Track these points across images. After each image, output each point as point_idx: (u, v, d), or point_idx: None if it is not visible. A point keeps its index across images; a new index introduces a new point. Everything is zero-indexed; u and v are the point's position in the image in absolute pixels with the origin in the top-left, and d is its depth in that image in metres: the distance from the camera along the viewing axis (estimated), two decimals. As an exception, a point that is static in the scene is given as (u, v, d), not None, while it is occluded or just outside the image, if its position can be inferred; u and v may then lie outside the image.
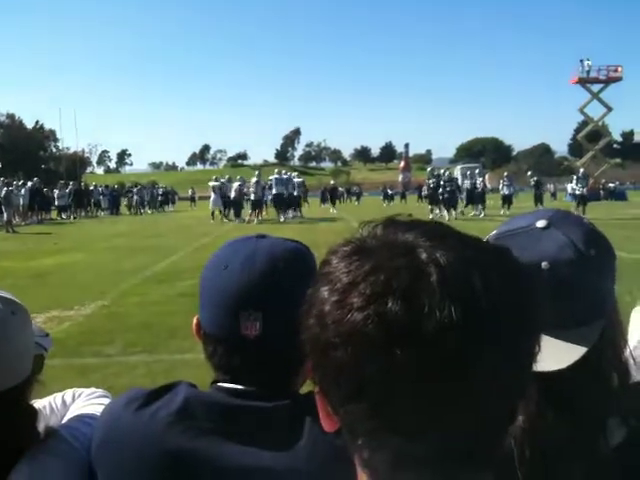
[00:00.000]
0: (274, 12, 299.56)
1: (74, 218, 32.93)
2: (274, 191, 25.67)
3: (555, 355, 0.81)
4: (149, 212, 40.14)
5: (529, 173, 31.84)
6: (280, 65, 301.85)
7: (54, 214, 32.75)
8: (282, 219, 24.92)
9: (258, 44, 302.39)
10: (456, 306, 0.47)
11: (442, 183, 24.86)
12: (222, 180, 28.63)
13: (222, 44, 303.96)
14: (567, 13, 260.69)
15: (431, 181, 25.83)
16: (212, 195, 27.83)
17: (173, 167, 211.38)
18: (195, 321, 1.03)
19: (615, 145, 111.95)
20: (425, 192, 29.28)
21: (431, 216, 23.78)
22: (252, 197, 25.33)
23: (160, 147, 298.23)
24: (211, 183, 28.60)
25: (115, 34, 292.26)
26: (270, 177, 26.94)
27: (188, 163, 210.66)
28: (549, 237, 0.86)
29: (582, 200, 24.49)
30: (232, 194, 26.83)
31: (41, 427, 1.09)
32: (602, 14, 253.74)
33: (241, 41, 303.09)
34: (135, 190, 40.60)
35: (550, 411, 0.85)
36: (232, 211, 27.44)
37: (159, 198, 44.27)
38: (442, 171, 27.33)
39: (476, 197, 27.30)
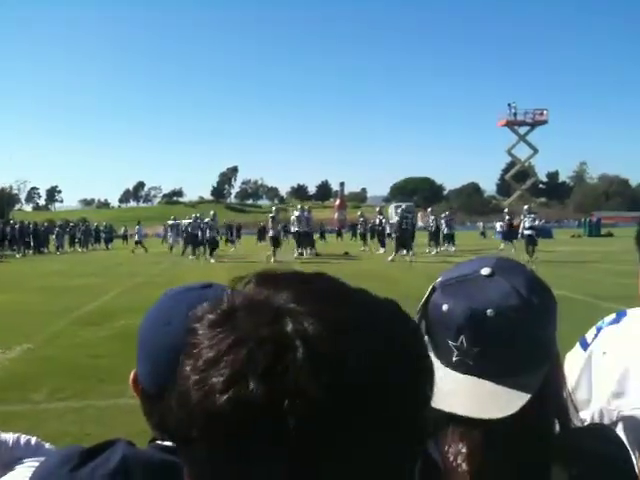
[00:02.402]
0: (210, 49, 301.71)
1: (-1, 257, 31.55)
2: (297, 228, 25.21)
3: (499, 403, 0.81)
4: (79, 250, 39.08)
5: (505, 210, 29.47)
6: (217, 102, 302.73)
7: (-23, 253, 31.34)
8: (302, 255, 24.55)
9: (194, 80, 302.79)
10: (323, 387, 0.41)
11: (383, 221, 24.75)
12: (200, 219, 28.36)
13: (157, 79, 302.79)
14: (495, 57, 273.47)
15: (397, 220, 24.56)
16: (169, 232, 31.62)
17: (105, 204, 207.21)
18: (132, 376, 0.98)
19: (541, 185, 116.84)
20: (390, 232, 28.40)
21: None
22: (270, 233, 24.50)
23: (92, 184, 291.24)
24: (185, 221, 30.19)
25: (46, 68, 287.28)
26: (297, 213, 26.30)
27: (121, 200, 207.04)
28: (493, 285, 0.87)
29: (533, 241, 21.50)
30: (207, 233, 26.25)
31: None
32: (529, 59, 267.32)
33: (177, 76, 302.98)
34: (57, 229, 39.96)
35: (495, 457, 0.85)
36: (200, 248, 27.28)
37: (103, 236, 43.41)
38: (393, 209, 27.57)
39: (446, 237, 27.82)
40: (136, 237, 37.11)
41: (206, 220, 26.74)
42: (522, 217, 23.38)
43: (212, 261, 24.01)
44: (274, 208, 26.69)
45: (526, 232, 22.00)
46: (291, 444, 0.40)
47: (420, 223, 29.07)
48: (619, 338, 1.24)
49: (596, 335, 1.30)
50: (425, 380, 0.47)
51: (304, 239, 25.12)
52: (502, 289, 0.86)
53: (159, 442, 0.94)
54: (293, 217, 25.58)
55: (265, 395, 0.40)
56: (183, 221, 30.09)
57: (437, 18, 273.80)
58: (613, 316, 1.30)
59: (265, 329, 0.43)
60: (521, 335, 0.84)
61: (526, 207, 24.28)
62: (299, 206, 27.42)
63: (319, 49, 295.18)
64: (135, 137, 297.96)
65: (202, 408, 0.42)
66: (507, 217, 27.92)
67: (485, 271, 0.89)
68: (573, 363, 1.31)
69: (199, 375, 0.44)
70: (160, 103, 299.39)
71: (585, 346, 1.31)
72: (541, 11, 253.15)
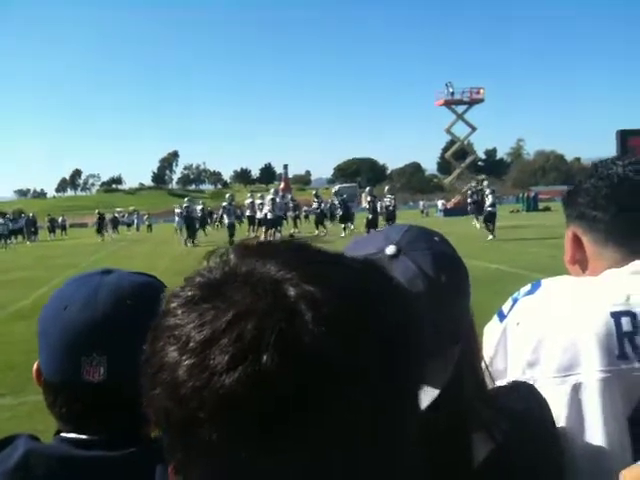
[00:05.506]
0: (147, 29, 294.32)
1: None
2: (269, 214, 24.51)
3: None
4: (14, 243, 37.66)
5: (386, 188, 29.27)
6: (155, 86, 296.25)
7: None
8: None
9: (131, 63, 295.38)
10: (338, 346, 0.40)
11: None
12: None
13: (91, 62, 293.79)
14: (433, 36, 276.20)
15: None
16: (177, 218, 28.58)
17: (42, 194, 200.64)
18: (35, 366, 0.97)
19: (480, 162, 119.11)
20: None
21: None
22: (269, 215, 24.10)
23: (27, 173, 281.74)
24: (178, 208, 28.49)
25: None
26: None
27: (58, 189, 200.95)
28: (398, 267, 0.82)
29: (492, 217, 21.36)
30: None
31: None
32: (466, 37, 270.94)
33: (112, 59, 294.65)
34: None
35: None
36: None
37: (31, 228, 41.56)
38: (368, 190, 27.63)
39: (390, 215, 27.23)
40: None
41: (224, 204, 26.11)
42: (486, 193, 23.26)
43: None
44: (273, 190, 26.86)
45: (489, 209, 21.97)
46: (315, 408, 0.39)
47: (364, 204, 29.10)
48: (533, 309, 1.24)
49: (512, 306, 1.30)
50: (423, 336, 0.47)
51: (277, 224, 24.74)
52: (407, 272, 0.82)
53: (64, 435, 0.91)
54: (268, 199, 24.93)
55: (281, 365, 0.38)
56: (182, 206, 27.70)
57: (377, 1, 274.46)
58: (528, 287, 1.31)
59: (267, 299, 0.41)
60: (429, 320, 0.80)
61: (486, 183, 24.58)
62: (273, 189, 27.21)
63: (257, 30, 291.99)
64: (71, 123, 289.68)
65: (210, 392, 0.39)
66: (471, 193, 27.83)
67: (390, 250, 0.84)
68: (490, 334, 1.31)
69: (196, 358, 0.40)
70: (95, 87, 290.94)
71: (502, 317, 1.31)
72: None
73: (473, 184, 26.00)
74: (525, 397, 0.97)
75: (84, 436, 0.90)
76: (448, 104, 57.06)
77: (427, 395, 0.75)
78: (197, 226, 26.90)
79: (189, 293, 0.44)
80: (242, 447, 0.39)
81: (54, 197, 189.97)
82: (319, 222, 28.55)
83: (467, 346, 0.87)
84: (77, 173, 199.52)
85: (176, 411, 0.41)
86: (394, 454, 0.44)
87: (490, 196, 22.40)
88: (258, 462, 0.39)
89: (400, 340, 0.44)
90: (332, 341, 0.39)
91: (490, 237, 20.35)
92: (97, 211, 38.88)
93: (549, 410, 0.97)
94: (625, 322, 1.09)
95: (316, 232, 25.04)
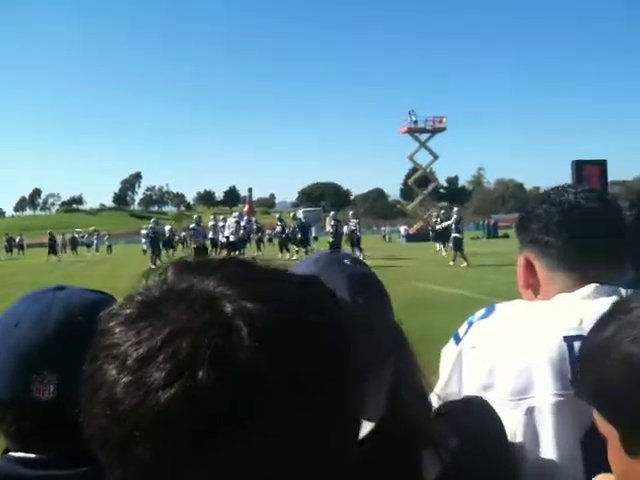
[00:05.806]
0: (112, 43, 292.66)
1: None
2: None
3: None
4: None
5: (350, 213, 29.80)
6: (118, 105, 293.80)
7: None
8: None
9: (92, 80, 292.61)
10: (274, 361, 0.40)
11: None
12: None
13: (52, 77, 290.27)
14: (395, 65, 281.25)
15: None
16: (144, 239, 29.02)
17: (0, 213, 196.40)
18: None
19: (442, 190, 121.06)
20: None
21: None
22: (232, 238, 24.39)
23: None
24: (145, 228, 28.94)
25: None
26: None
27: (16, 208, 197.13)
28: None
29: (460, 243, 21.26)
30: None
31: None
32: (428, 66, 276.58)
33: (74, 76, 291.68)
34: None
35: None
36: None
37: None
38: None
39: (354, 239, 27.66)
40: None
41: (192, 226, 26.13)
42: (454, 218, 23.20)
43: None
44: (237, 213, 27.19)
45: (455, 235, 21.95)
46: (248, 423, 0.39)
47: (328, 228, 29.21)
48: (488, 333, 1.26)
49: (467, 329, 1.31)
50: (356, 349, 0.47)
51: (240, 247, 24.97)
52: None
53: (12, 453, 0.90)
54: (231, 221, 25.36)
55: (216, 381, 0.38)
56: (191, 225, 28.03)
57: (345, 26, 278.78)
58: (483, 311, 1.32)
59: (203, 316, 0.41)
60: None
61: (456, 209, 24.66)
62: (237, 212, 27.34)
63: (220, 51, 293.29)
64: (30, 141, 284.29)
65: (146, 409, 0.39)
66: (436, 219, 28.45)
67: None
68: (446, 357, 1.32)
69: (133, 375, 0.40)
70: (57, 105, 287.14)
71: (458, 340, 1.32)
72: (439, 19, 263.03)
73: (442, 212, 26.30)
74: (478, 413, 0.97)
75: (32, 455, 0.88)
76: (411, 132, 57.84)
77: (365, 426, 0.73)
78: (161, 247, 26.79)
79: (127, 311, 0.44)
80: (174, 463, 0.39)
81: (12, 216, 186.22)
82: (283, 245, 28.58)
83: (402, 364, 0.87)
84: (37, 192, 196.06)
85: (113, 429, 0.41)
86: (330, 471, 0.44)
87: (456, 222, 22.63)
88: (190, 477, 0.39)
89: (339, 354, 0.45)
90: (268, 356, 0.40)
91: (464, 264, 20.40)
92: (48, 232, 38.27)
93: (502, 426, 0.97)
94: (578, 346, 1.10)
95: (279, 255, 25.09)
